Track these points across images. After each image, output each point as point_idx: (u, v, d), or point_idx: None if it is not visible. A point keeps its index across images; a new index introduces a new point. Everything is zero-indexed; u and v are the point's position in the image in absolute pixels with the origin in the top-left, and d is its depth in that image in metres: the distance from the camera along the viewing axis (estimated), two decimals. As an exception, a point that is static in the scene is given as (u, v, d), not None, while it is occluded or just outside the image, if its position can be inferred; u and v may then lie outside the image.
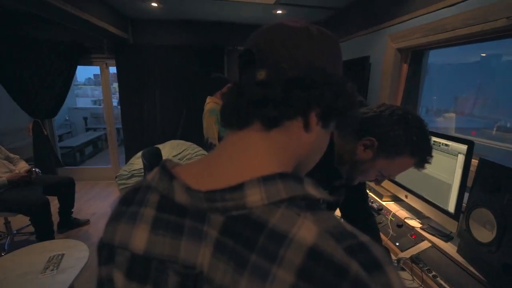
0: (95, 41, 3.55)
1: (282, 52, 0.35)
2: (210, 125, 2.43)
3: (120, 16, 3.33)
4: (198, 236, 0.31)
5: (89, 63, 3.74)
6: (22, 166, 2.50)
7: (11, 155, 2.56)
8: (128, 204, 0.37)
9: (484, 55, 3.97)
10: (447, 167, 1.12)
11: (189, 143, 3.70)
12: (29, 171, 2.43)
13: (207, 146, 2.50)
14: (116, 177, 3.16)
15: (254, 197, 0.29)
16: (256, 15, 3.34)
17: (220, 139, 2.48)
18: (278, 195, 0.30)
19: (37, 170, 2.56)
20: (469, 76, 4.42)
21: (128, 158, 3.79)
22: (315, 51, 0.36)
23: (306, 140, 0.36)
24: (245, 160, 0.34)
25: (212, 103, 2.48)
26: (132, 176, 3.05)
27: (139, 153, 3.47)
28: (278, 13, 3.21)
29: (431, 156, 0.72)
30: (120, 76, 3.66)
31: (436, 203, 1.19)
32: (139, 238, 0.33)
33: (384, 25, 2.27)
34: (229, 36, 3.80)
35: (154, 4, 2.98)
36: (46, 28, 3.47)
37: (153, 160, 2.81)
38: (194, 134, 3.97)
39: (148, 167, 2.56)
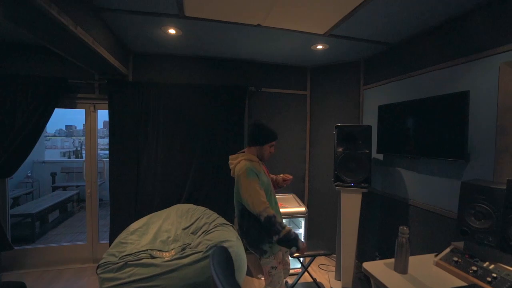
0: (83, 76, 2.78)
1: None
2: (255, 191, 1.67)
3: (120, 46, 2.64)
4: None
5: (72, 105, 2.89)
6: None
7: None
8: None
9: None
10: None
11: (201, 208, 2.76)
12: None
13: (262, 222, 1.64)
14: (98, 267, 2.07)
15: None
16: (291, 52, 2.83)
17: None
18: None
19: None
20: None
21: (115, 232, 2.71)
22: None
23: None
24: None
25: (245, 161, 1.78)
26: (126, 265, 2.00)
27: (134, 225, 2.46)
28: (318, 49, 2.72)
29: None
30: (113, 121, 2.81)
31: None
32: None
33: (486, 53, 1.77)
34: (252, 75, 3.23)
35: (172, 31, 2.35)
36: (22, 60, 2.67)
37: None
38: (207, 196, 3.06)
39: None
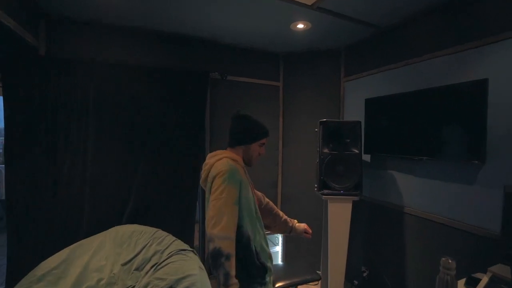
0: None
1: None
2: (225, 205, 1.16)
3: (25, 9, 1.79)
4: None
5: None
6: None
7: None
8: None
9: None
10: None
11: (151, 230, 2.05)
12: None
13: (208, 251, 1.10)
14: None
15: None
16: (264, 32, 2.30)
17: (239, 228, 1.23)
18: None
19: None
20: None
21: (14, 276, 1.84)
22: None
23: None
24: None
25: (229, 160, 1.27)
26: None
27: (46, 264, 1.65)
28: (299, 28, 2.25)
29: None
30: (10, 111, 1.92)
31: None
32: None
33: (505, 35, 1.49)
34: (216, 59, 2.61)
35: (104, -19, 1.62)
36: None
37: None
38: (159, 211, 2.37)
39: None
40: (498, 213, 1.50)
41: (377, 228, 2.32)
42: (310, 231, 1.71)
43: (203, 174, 1.33)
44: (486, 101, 1.54)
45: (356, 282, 2.42)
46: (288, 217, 1.72)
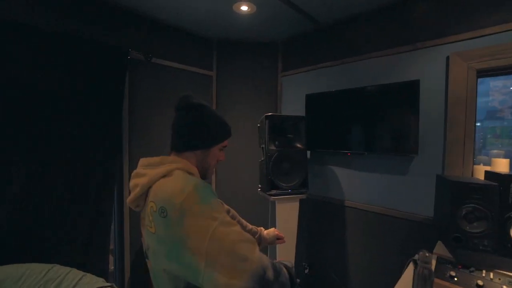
0: None
1: None
2: (239, 236, 0.69)
3: None
4: None
5: None
6: None
7: None
8: None
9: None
10: None
11: (43, 269, 1.41)
12: None
13: None
14: None
15: None
16: (201, 8, 1.94)
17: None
18: None
19: None
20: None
21: None
22: None
23: None
24: None
25: (184, 173, 0.83)
26: None
27: None
28: (242, 11, 2.01)
29: None
30: None
31: None
32: None
33: (434, 42, 1.69)
34: (138, 35, 2.06)
35: None
36: None
37: None
38: (50, 238, 1.70)
39: None
40: (431, 200, 1.68)
41: (319, 223, 2.34)
42: (282, 234, 1.45)
43: (134, 190, 0.81)
44: (418, 99, 1.70)
45: (298, 280, 2.38)
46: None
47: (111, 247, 2.06)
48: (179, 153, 0.91)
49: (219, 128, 0.97)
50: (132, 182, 0.84)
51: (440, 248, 1.43)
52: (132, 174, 0.86)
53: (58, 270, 1.43)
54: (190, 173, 0.84)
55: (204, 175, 0.95)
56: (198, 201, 0.69)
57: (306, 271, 2.36)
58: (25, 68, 1.56)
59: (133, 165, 2.02)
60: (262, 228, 1.41)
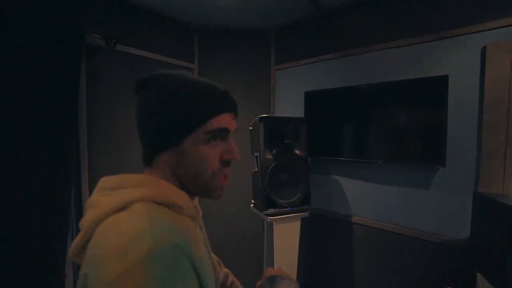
0: None
1: None
2: None
3: None
4: None
5: None
6: None
7: None
8: None
9: None
10: None
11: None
12: None
13: None
14: None
15: None
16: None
17: None
18: None
19: None
20: None
21: None
22: None
23: None
24: None
25: (148, 211, 0.45)
26: None
27: None
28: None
29: None
30: None
31: None
32: None
33: (466, 29, 1.39)
34: (97, 13, 1.63)
35: None
36: None
37: None
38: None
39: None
40: (459, 220, 1.40)
41: (321, 242, 2.01)
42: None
43: (78, 235, 0.47)
44: (446, 99, 1.41)
45: None
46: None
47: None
48: (151, 166, 0.55)
49: (194, 98, 0.52)
50: (85, 217, 0.48)
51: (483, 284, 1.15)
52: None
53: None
54: (168, 205, 0.49)
55: (202, 191, 0.56)
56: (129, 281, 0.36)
57: (306, 296, 2.05)
58: None
59: (93, 183, 1.59)
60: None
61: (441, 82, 1.41)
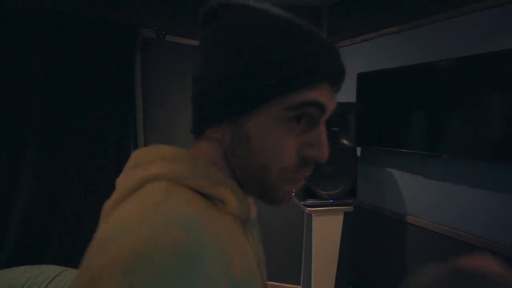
0: None
1: None
2: None
3: None
4: None
5: None
6: None
7: None
8: None
9: None
10: None
11: (52, 272, 1.25)
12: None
13: None
14: None
15: None
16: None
17: None
18: None
19: None
20: None
21: None
22: None
23: None
24: None
25: (171, 198, 0.29)
26: None
27: None
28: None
29: None
30: None
31: None
32: None
33: None
34: (151, 11, 1.75)
35: None
36: None
37: None
38: (64, 239, 1.57)
39: None
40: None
41: (366, 240, 1.86)
42: None
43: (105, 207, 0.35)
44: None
45: (350, 287, 1.99)
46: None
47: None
48: (198, 141, 0.40)
49: (284, 46, 0.33)
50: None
51: None
52: None
53: (71, 274, 1.27)
54: (198, 192, 0.33)
55: (260, 193, 0.37)
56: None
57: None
58: (24, 55, 1.38)
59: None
60: None
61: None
